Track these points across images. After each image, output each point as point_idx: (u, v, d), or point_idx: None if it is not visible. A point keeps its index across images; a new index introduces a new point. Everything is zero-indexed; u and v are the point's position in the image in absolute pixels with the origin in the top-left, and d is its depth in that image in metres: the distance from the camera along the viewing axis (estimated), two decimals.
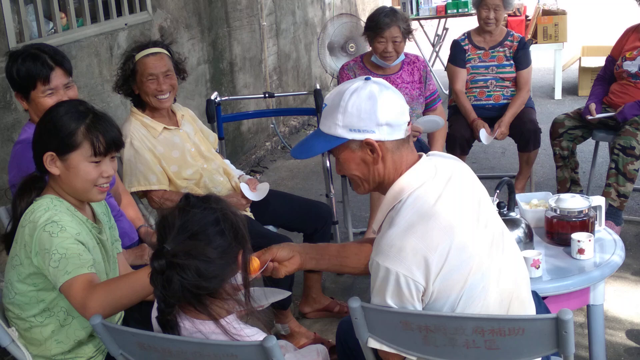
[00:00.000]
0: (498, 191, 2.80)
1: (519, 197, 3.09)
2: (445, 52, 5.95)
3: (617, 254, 2.74)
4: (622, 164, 4.13)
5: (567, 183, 4.54)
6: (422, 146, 4.27)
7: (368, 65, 4.17)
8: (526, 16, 7.47)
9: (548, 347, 1.84)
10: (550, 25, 7.24)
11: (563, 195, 2.88)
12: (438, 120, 4.09)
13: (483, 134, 4.51)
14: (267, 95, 4.66)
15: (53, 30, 3.97)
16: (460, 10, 7.97)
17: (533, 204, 3.08)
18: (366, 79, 2.01)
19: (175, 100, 3.39)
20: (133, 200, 3.22)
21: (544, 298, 2.49)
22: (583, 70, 7.53)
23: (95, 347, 2.29)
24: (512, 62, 4.70)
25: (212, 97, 4.21)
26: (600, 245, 2.81)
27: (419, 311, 1.89)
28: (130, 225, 3.02)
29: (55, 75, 2.65)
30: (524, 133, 4.60)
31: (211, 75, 5.66)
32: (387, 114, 1.95)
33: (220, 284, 1.78)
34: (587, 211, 2.81)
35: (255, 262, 2.07)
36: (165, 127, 3.31)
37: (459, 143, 4.56)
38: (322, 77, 8.01)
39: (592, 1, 13.16)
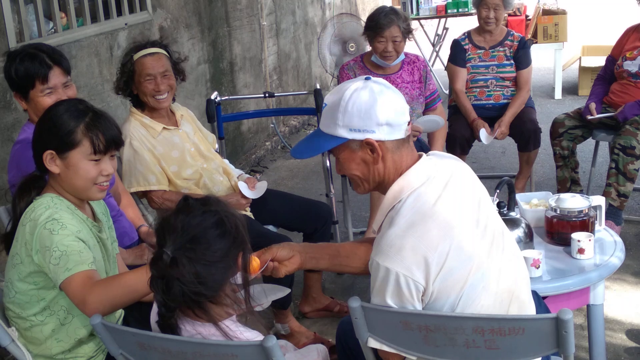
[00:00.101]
0: (498, 191, 2.79)
1: (519, 196, 3.09)
2: (445, 52, 5.95)
3: (617, 254, 2.74)
4: (623, 164, 4.13)
5: (567, 183, 4.54)
6: (422, 146, 4.27)
7: (368, 65, 4.17)
8: (526, 16, 7.47)
9: (548, 347, 1.84)
10: (550, 25, 7.24)
11: (563, 195, 2.87)
12: (438, 120, 4.09)
13: (483, 133, 4.51)
14: (267, 95, 4.66)
15: (53, 30, 3.97)
16: (460, 9, 7.96)
17: (533, 203, 3.07)
18: (366, 78, 2.01)
19: (174, 100, 3.39)
20: (133, 200, 3.22)
21: (544, 298, 2.49)
22: (583, 70, 7.53)
23: (95, 346, 2.29)
24: (512, 61, 4.70)
25: (212, 97, 4.21)
26: (600, 245, 2.81)
27: (419, 311, 1.89)
28: (130, 225, 3.02)
29: (54, 74, 2.65)
30: (524, 133, 4.60)
31: (211, 75, 5.66)
32: (387, 113, 1.95)
33: (220, 287, 1.78)
34: (587, 211, 2.80)
35: (255, 262, 2.06)
36: (164, 127, 3.31)
37: (459, 143, 4.56)
38: (322, 77, 8.01)
39: (593, 1, 13.16)
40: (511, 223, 2.68)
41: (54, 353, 2.24)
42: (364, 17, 5.00)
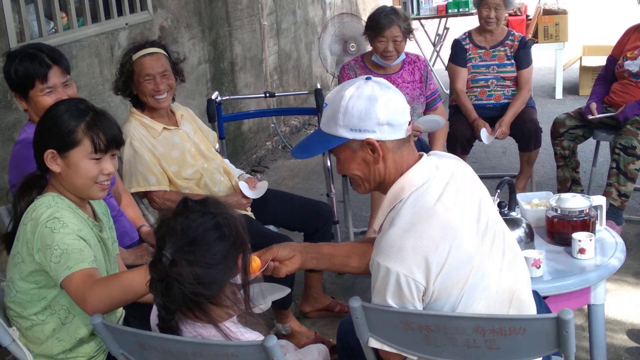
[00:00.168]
0: (499, 191, 2.79)
1: (519, 196, 3.09)
2: (446, 52, 5.94)
3: (617, 254, 2.74)
4: (623, 164, 4.13)
5: (568, 183, 4.54)
6: (423, 146, 4.27)
7: (369, 65, 4.17)
8: (527, 16, 7.47)
9: (549, 347, 1.84)
10: (551, 25, 7.24)
11: (564, 195, 2.87)
12: (439, 119, 4.09)
13: (484, 133, 4.51)
14: (267, 94, 4.66)
15: (54, 30, 3.97)
16: (461, 9, 7.97)
17: (534, 203, 3.07)
18: (367, 78, 2.01)
19: (174, 99, 3.39)
20: (133, 200, 3.22)
21: (545, 298, 2.49)
22: (584, 69, 7.53)
23: (96, 345, 2.29)
24: (513, 61, 4.70)
25: (213, 97, 4.21)
26: (601, 245, 2.80)
27: (419, 311, 1.89)
28: (130, 225, 3.02)
29: (53, 74, 2.65)
30: (525, 132, 4.59)
31: (212, 74, 5.66)
32: (387, 113, 1.95)
33: (219, 289, 1.78)
34: (588, 211, 2.80)
35: (255, 262, 2.06)
36: (164, 127, 3.31)
37: (460, 142, 4.56)
38: (323, 77, 8.01)
39: (593, 1, 13.15)
40: (512, 223, 2.68)
41: (55, 353, 2.24)
42: (364, 17, 5.00)
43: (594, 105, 4.39)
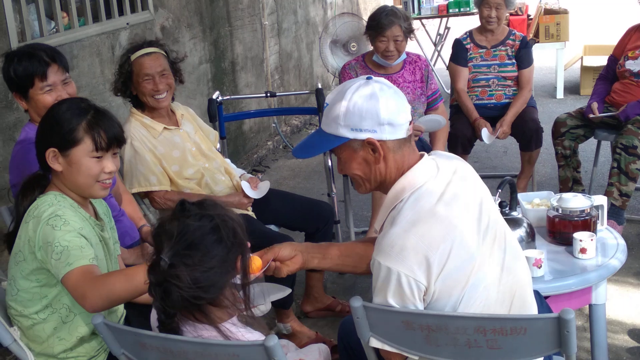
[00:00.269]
0: (500, 190, 2.79)
1: (520, 196, 3.09)
2: (447, 51, 5.94)
3: (618, 254, 2.74)
4: (625, 163, 4.12)
5: (569, 182, 4.54)
6: (424, 145, 4.27)
7: (370, 65, 4.17)
8: (528, 15, 7.46)
9: (550, 347, 1.84)
10: (552, 25, 7.23)
11: (565, 195, 2.87)
12: (440, 119, 4.09)
13: (485, 133, 4.51)
14: (268, 94, 4.65)
15: (55, 30, 3.97)
16: (462, 9, 7.96)
17: (535, 203, 3.07)
18: (368, 78, 2.01)
19: (173, 99, 3.39)
20: (134, 200, 3.22)
21: (546, 297, 2.49)
22: (585, 69, 7.52)
23: (97, 345, 2.29)
24: (514, 61, 4.70)
25: (214, 97, 4.21)
26: (602, 244, 2.80)
27: (420, 311, 1.89)
28: (131, 224, 3.02)
29: (52, 71, 2.66)
30: (526, 132, 4.59)
31: (213, 74, 5.66)
32: (388, 113, 1.95)
33: (219, 292, 1.77)
34: (589, 210, 2.80)
35: (257, 262, 2.06)
36: (165, 127, 3.31)
37: (461, 142, 4.56)
38: (324, 77, 8.01)
39: (594, 0, 13.15)
40: (513, 223, 2.68)
41: (56, 352, 2.24)
42: (365, 17, 4.99)
43: (595, 105, 4.38)
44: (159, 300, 1.75)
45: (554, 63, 7.71)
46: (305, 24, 7.71)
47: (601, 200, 2.94)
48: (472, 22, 5.97)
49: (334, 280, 4.05)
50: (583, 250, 2.69)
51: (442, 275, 1.87)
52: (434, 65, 8.52)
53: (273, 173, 6.14)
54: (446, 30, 8.59)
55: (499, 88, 4.70)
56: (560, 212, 2.82)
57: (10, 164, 2.75)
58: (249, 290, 1.83)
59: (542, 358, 1.93)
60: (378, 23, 4.02)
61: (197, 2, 5.39)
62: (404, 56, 4.12)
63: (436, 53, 8.72)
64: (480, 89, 4.72)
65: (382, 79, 2.02)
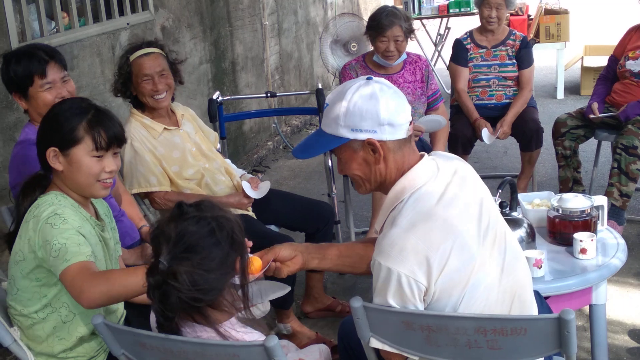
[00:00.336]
0: (500, 191, 2.79)
1: (521, 196, 3.09)
2: (447, 52, 5.94)
3: (619, 254, 2.73)
4: (625, 164, 4.12)
5: (570, 183, 4.54)
6: (424, 146, 4.27)
7: (370, 65, 4.17)
8: (528, 15, 7.46)
9: (550, 347, 1.84)
10: (552, 25, 7.23)
11: (565, 195, 2.87)
12: (440, 119, 4.09)
13: (485, 133, 4.51)
14: (269, 94, 4.65)
15: (55, 30, 3.97)
16: (462, 9, 7.96)
17: (535, 203, 3.07)
18: (368, 78, 2.01)
19: (173, 99, 3.38)
20: (134, 200, 3.22)
21: (546, 298, 2.49)
22: (585, 69, 7.52)
23: (97, 345, 2.29)
24: (514, 61, 4.70)
25: (214, 97, 4.21)
26: (603, 245, 2.80)
27: (420, 311, 1.89)
28: (131, 225, 3.02)
29: (51, 69, 2.68)
30: (526, 132, 4.59)
31: (213, 74, 5.66)
32: (388, 113, 1.95)
33: (218, 293, 1.77)
34: (589, 211, 2.80)
35: (257, 262, 2.07)
36: (165, 128, 3.30)
37: (461, 142, 4.56)
38: (324, 77, 8.01)
39: (595, 1, 13.15)
40: (513, 223, 2.68)
41: (56, 352, 2.24)
42: (365, 17, 4.99)
43: (595, 105, 4.38)
44: (157, 303, 1.74)
45: (555, 63, 7.71)
46: (306, 24, 7.71)
47: (601, 200, 2.94)
48: (473, 22, 5.97)
49: (334, 281, 4.05)
50: (583, 251, 2.69)
51: (442, 275, 1.87)
52: (435, 65, 8.52)
53: (273, 173, 6.14)
54: (446, 31, 8.59)
55: (500, 88, 4.70)
56: (560, 212, 2.82)
57: (10, 165, 2.76)
58: (247, 290, 1.83)
59: (543, 358, 1.93)
60: (378, 23, 4.02)
61: (197, 2, 5.39)
62: (404, 56, 4.12)
63: (436, 53, 8.72)
64: (480, 89, 4.72)
65: (383, 80, 2.02)
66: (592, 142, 4.69)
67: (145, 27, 4.72)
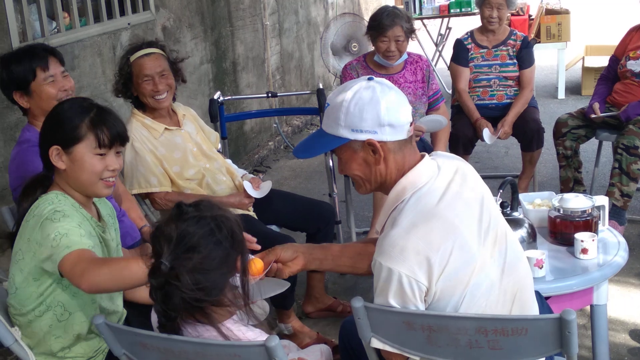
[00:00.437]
0: (501, 191, 2.79)
1: (522, 196, 3.09)
2: (448, 52, 5.94)
3: (620, 254, 2.73)
4: (626, 164, 4.12)
5: (571, 183, 4.54)
6: (425, 146, 4.27)
7: (371, 65, 4.17)
8: (529, 15, 7.46)
9: (551, 347, 1.83)
10: (553, 25, 7.23)
11: (566, 195, 2.87)
12: (441, 119, 4.09)
13: (486, 133, 4.51)
14: (270, 94, 4.66)
15: (56, 30, 3.97)
16: (463, 9, 7.96)
17: (536, 203, 3.07)
18: (369, 79, 2.00)
19: (174, 99, 3.38)
20: (134, 200, 3.22)
21: (547, 298, 2.49)
22: (586, 69, 7.52)
23: (96, 344, 2.29)
24: (515, 61, 4.70)
25: (215, 97, 4.21)
26: (604, 245, 2.80)
27: (421, 311, 1.89)
28: (132, 224, 3.02)
29: (52, 62, 2.73)
30: (527, 132, 4.59)
31: (214, 74, 5.66)
32: (389, 114, 1.94)
33: (220, 292, 1.78)
34: (590, 211, 2.80)
35: (259, 264, 2.07)
36: (166, 128, 3.30)
37: (462, 143, 4.56)
38: (325, 77, 8.01)
39: (596, 1, 13.14)
40: (514, 223, 2.68)
41: (55, 350, 2.24)
42: (366, 17, 5.00)
43: (596, 105, 4.38)
44: (160, 303, 1.75)
45: (556, 63, 7.71)
46: (307, 24, 7.71)
47: (602, 200, 2.94)
48: (474, 22, 5.97)
49: (335, 281, 4.05)
50: (584, 251, 2.69)
51: (443, 275, 1.87)
52: (435, 65, 8.52)
53: (274, 173, 6.14)
54: (447, 31, 8.59)
55: (500, 88, 4.70)
56: (561, 212, 2.82)
57: (10, 167, 2.76)
58: (247, 288, 1.83)
59: (544, 359, 1.93)
60: (379, 23, 4.01)
61: (198, 2, 5.39)
62: (405, 56, 4.12)
63: (437, 53, 8.72)
64: (481, 89, 4.72)
65: (384, 80, 2.02)
66: (593, 142, 4.69)
67: (146, 27, 4.72)
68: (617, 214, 4.14)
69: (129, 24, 4.55)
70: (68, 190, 2.22)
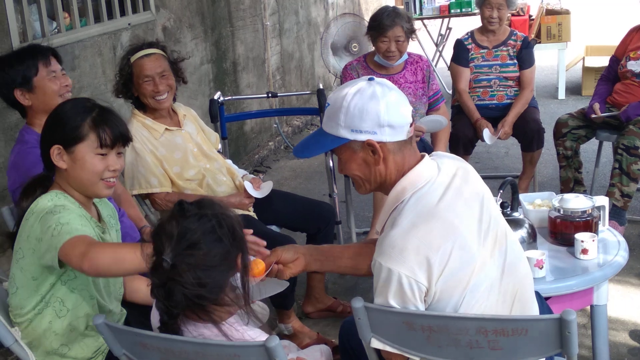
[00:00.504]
0: (501, 191, 2.79)
1: (522, 197, 3.09)
2: (448, 52, 5.94)
3: (620, 254, 2.73)
4: (626, 164, 4.12)
5: (571, 183, 4.54)
6: (425, 146, 4.27)
7: (371, 65, 4.17)
8: (530, 16, 7.46)
9: (551, 348, 1.83)
10: (553, 25, 7.23)
11: (566, 195, 2.87)
12: (441, 120, 4.09)
13: (486, 133, 4.51)
14: (270, 95, 4.66)
15: (56, 30, 3.97)
16: (463, 9, 7.96)
17: (536, 204, 3.07)
18: (369, 79, 2.00)
19: (175, 99, 3.38)
20: (134, 200, 3.22)
21: (547, 298, 2.49)
22: (587, 70, 7.52)
23: (96, 344, 2.29)
24: (515, 61, 4.70)
25: (215, 97, 4.21)
26: (604, 245, 2.80)
27: (421, 311, 1.89)
28: (131, 225, 3.03)
29: (52, 60, 2.79)
30: (528, 133, 4.59)
31: (214, 75, 5.66)
32: (389, 115, 1.94)
33: (221, 290, 1.78)
34: (590, 211, 2.80)
35: (260, 265, 2.07)
36: (166, 128, 3.30)
37: (462, 143, 4.56)
38: (325, 77, 8.01)
39: (596, 1, 13.14)
40: (514, 223, 2.68)
41: (54, 347, 2.25)
42: (367, 17, 5.00)
43: (597, 106, 4.38)
44: (162, 301, 1.75)
45: (556, 63, 7.71)
46: (307, 24, 7.71)
47: (603, 201, 2.94)
48: (474, 22, 5.97)
49: (335, 281, 4.05)
50: (584, 251, 2.69)
51: (443, 276, 1.87)
52: (436, 65, 8.52)
53: (274, 173, 6.14)
54: (448, 31, 8.60)
55: (501, 88, 4.70)
56: (561, 212, 2.82)
57: (9, 169, 2.76)
58: (248, 286, 1.84)
59: (544, 359, 1.93)
60: (380, 23, 4.02)
61: (198, 2, 5.40)
62: (405, 57, 4.12)
63: (438, 53, 8.72)
64: (481, 90, 4.72)
65: (384, 80, 2.02)
66: (594, 142, 4.69)
67: (146, 28, 4.72)
68: (617, 214, 4.14)
69: (129, 24, 4.55)
70: (68, 190, 2.23)
